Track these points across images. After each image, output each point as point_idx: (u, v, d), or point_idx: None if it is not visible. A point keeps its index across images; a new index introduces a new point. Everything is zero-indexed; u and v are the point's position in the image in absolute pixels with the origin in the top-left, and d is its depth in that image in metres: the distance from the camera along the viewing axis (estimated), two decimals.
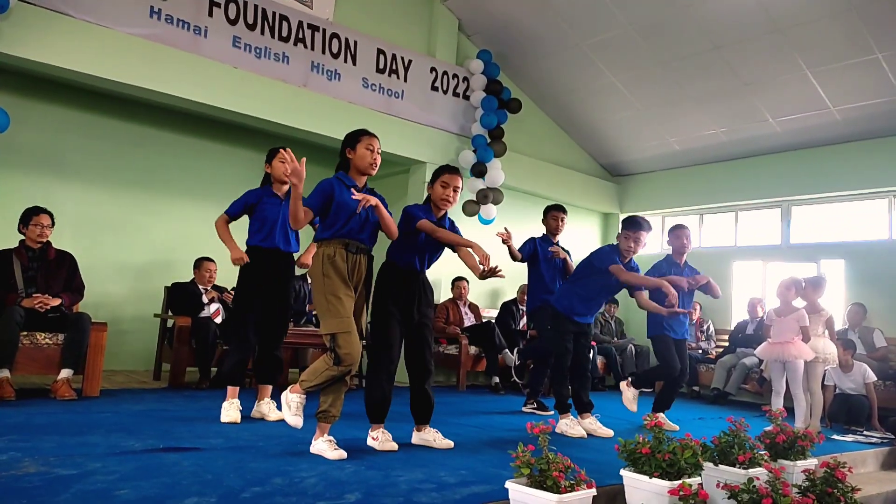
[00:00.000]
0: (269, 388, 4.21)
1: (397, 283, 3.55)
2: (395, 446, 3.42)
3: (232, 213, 4.14)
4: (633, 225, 4.46)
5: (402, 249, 3.56)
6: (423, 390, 3.59)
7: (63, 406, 4.14)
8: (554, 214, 5.47)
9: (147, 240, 6.70)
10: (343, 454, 3.12)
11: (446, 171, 3.62)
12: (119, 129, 6.57)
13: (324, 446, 3.16)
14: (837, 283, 7.33)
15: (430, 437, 3.59)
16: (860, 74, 6.48)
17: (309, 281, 6.12)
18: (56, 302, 4.56)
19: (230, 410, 3.94)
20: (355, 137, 3.40)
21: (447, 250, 3.69)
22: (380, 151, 3.42)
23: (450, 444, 3.57)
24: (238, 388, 4.07)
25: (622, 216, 9.55)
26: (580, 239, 8.80)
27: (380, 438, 3.43)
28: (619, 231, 4.56)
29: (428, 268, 3.69)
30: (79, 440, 3.17)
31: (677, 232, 5.14)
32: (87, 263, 5.19)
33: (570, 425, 4.39)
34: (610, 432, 4.40)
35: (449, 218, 3.71)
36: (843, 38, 6.18)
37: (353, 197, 3.20)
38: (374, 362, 3.48)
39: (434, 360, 3.74)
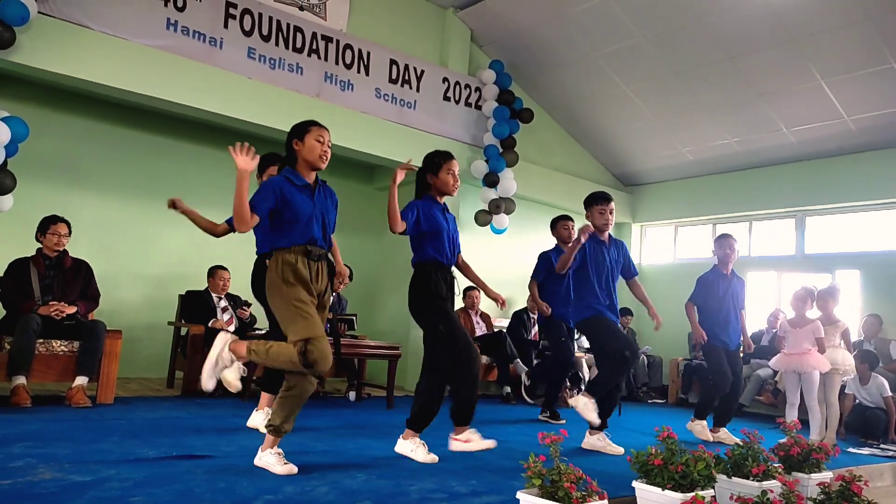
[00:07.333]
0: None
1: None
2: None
3: None
4: (592, 199, 4.57)
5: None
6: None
7: (78, 413, 4.18)
8: (564, 223, 5.59)
9: (162, 248, 6.76)
10: (293, 469, 2.92)
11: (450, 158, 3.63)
12: (136, 139, 6.66)
13: (272, 459, 2.96)
14: (853, 293, 7.25)
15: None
16: (875, 84, 6.43)
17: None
18: (72, 310, 4.60)
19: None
20: (304, 128, 3.09)
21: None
22: (330, 144, 3.16)
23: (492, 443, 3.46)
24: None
25: (634, 226, 9.53)
26: None
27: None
28: (587, 215, 4.61)
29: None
30: (93, 447, 3.20)
31: (721, 241, 5.24)
32: (102, 272, 5.24)
33: (603, 441, 4.20)
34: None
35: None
36: (857, 48, 6.15)
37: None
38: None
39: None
